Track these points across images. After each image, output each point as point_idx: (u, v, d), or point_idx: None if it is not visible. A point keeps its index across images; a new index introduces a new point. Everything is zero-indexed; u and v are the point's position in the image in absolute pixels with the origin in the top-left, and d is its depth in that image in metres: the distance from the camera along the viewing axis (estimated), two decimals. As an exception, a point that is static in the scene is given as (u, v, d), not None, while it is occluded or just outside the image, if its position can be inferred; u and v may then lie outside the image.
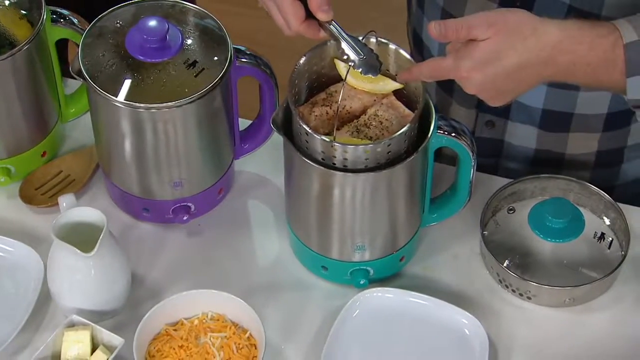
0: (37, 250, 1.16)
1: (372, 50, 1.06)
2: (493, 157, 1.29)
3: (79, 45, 1.15)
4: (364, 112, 1.11)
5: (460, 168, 1.15)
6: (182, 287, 1.15)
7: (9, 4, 1.20)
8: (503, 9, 1.04)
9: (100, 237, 1.08)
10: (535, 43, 1.02)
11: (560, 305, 1.16)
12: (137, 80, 1.13)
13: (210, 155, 1.20)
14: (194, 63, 1.14)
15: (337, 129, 1.09)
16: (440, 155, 1.17)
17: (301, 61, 1.10)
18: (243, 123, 1.24)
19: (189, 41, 1.15)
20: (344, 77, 1.09)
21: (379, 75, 1.09)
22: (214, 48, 1.15)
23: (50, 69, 1.22)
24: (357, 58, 1.05)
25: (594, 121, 1.23)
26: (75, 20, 1.20)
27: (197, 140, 1.17)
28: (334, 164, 1.07)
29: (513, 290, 1.16)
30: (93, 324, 1.10)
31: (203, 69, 1.14)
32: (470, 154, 1.12)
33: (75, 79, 1.15)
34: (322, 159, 1.07)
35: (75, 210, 1.11)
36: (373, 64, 1.05)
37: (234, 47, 1.16)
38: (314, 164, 1.08)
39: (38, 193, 1.23)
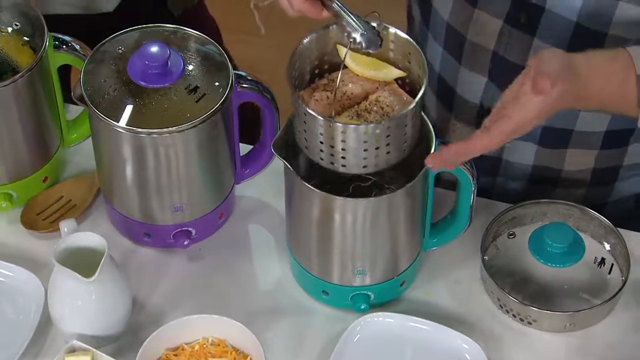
0: (38, 275, 1.16)
1: (373, 27, 1.05)
2: (490, 175, 1.29)
3: (81, 71, 1.16)
4: (365, 98, 1.10)
5: (460, 193, 1.15)
6: (182, 312, 1.15)
7: (11, 31, 1.21)
8: None
9: (101, 262, 1.08)
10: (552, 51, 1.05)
11: (560, 330, 1.16)
12: (139, 105, 1.13)
13: (211, 180, 1.20)
14: (196, 88, 1.14)
15: (338, 114, 1.08)
16: (440, 180, 1.17)
17: (304, 41, 1.09)
18: (244, 148, 1.24)
19: (191, 67, 1.16)
20: (347, 62, 1.07)
21: (382, 63, 1.08)
22: (215, 74, 1.16)
23: (52, 94, 1.23)
24: (358, 34, 1.04)
25: (593, 138, 1.23)
26: (78, 47, 1.21)
27: (198, 165, 1.17)
28: (332, 146, 1.04)
29: (514, 315, 1.16)
30: (94, 349, 1.10)
31: (204, 94, 1.14)
32: (471, 179, 1.13)
33: (77, 104, 1.15)
34: (321, 141, 1.05)
35: (77, 236, 1.12)
36: (374, 39, 1.04)
37: (235, 73, 1.16)
38: (314, 189, 1.08)
39: (39, 218, 1.23)
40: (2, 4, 1.21)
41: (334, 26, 1.09)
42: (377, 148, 1.05)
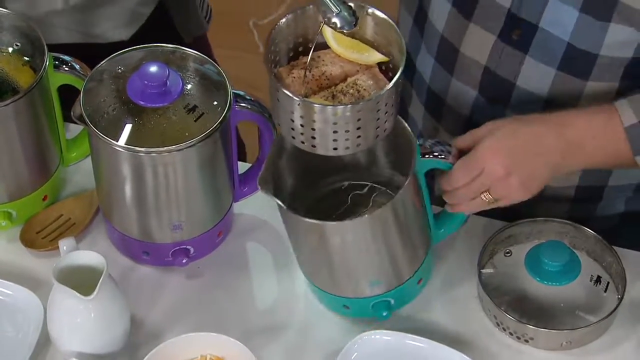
0: (38, 293, 1.17)
1: (350, 7, 1.05)
2: None
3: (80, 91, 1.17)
4: (344, 80, 1.09)
5: None
6: (181, 330, 1.16)
7: (12, 51, 1.22)
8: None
9: (100, 281, 1.09)
10: (539, 120, 1.10)
11: (557, 349, 1.16)
12: (138, 124, 1.14)
13: (210, 199, 1.21)
14: (194, 108, 1.15)
15: (314, 94, 1.07)
16: (430, 176, 1.17)
17: (283, 21, 1.08)
18: (242, 166, 1.25)
19: (189, 86, 1.16)
20: (329, 43, 1.07)
21: (365, 46, 1.08)
22: (213, 93, 1.17)
23: (52, 114, 1.23)
24: (332, 13, 1.04)
25: None
26: (77, 66, 1.22)
27: (197, 184, 1.18)
28: (303, 125, 1.03)
29: (510, 333, 1.17)
30: (92, 367, 1.10)
31: (203, 113, 1.15)
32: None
33: (77, 123, 1.16)
34: (292, 119, 1.04)
35: (76, 254, 1.12)
36: (348, 19, 1.04)
37: (233, 92, 1.17)
38: (305, 219, 1.08)
39: (39, 237, 1.24)
40: (2, 25, 1.22)
41: (311, 6, 1.08)
42: (346, 131, 1.04)
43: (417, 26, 1.27)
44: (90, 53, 1.25)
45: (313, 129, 1.04)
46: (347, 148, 1.06)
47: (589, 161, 1.12)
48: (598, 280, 1.19)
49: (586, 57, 1.14)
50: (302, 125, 1.04)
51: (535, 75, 1.18)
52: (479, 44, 1.20)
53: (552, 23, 1.14)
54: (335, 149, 1.06)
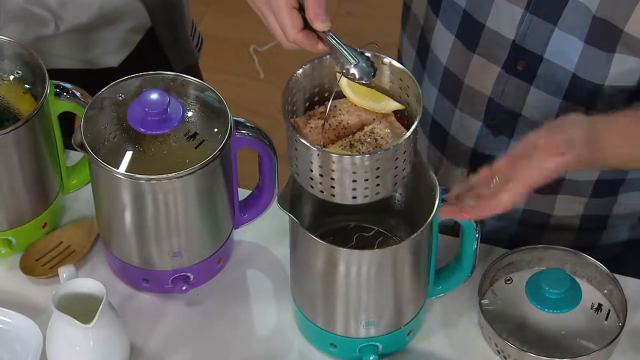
0: (37, 321, 1.16)
1: (368, 57, 1.05)
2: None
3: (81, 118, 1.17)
4: (361, 129, 1.09)
5: (464, 239, 1.15)
6: (181, 358, 1.15)
7: (13, 79, 1.22)
8: None
9: (100, 309, 1.09)
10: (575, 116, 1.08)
11: (558, 376, 1.16)
12: (138, 152, 1.14)
13: (210, 226, 1.21)
14: (195, 135, 1.15)
15: (332, 143, 1.07)
16: (442, 225, 1.17)
17: (299, 72, 1.08)
18: (242, 193, 1.25)
19: (190, 113, 1.17)
20: (345, 92, 1.08)
21: (381, 94, 1.08)
22: (214, 120, 1.17)
23: (52, 141, 1.23)
24: (351, 65, 1.03)
25: (583, 186, 1.24)
26: (78, 94, 1.22)
27: (197, 211, 1.18)
28: (322, 175, 1.04)
29: (511, 361, 1.16)
30: (91, 396, 1.10)
31: (203, 140, 1.15)
32: (475, 225, 1.12)
33: (77, 150, 1.16)
34: (311, 169, 1.04)
35: (75, 282, 1.12)
36: (367, 70, 1.04)
37: (233, 119, 1.17)
38: (319, 240, 1.07)
39: (38, 264, 1.24)
40: (4, 53, 1.22)
41: (328, 56, 1.08)
42: (366, 180, 1.04)
43: (419, 57, 1.27)
44: (81, 79, 1.25)
45: (332, 179, 1.05)
46: (366, 197, 1.06)
47: (610, 154, 1.09)
48: (599, 308, 1.18)
49: (591, 87, 1.15)
50: (321, 175, 1.05)
51: (540, 105, 1.18)
52: (483, 75, 1.20)
53: (557, 54, 1.15)
54: (354, 197, 1.06)
